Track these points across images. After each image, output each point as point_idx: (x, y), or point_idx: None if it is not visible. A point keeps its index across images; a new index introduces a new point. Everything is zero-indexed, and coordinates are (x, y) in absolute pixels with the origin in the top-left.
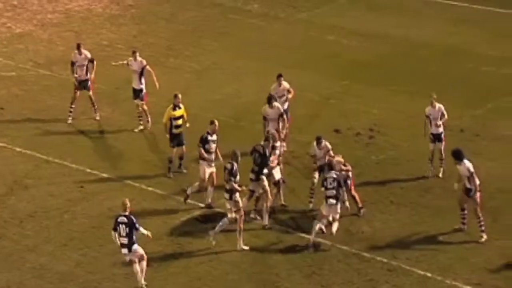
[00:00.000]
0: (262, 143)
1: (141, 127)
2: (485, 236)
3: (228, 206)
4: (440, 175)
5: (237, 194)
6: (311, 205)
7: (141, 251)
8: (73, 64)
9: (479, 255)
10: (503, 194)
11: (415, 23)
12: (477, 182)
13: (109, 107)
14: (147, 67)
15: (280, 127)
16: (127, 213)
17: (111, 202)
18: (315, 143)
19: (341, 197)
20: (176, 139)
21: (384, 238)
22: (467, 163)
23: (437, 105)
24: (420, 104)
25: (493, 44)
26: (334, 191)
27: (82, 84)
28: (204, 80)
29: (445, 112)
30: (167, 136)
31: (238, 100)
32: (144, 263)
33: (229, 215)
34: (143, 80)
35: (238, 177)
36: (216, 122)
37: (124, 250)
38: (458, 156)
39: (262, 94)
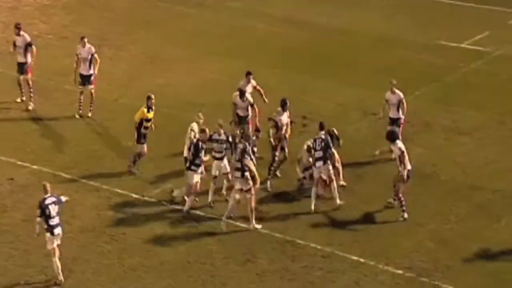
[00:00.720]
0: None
1: (90, 112)
2: (406, 215)
3: (238, 185)
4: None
5: (248, 173)
6: (269, 184)
7: None
8: (14, 45)
9: (410, 239)
10: (432, 180)
11: (343, 10)
12: (408, 166)
13: (41, 98)
14: (95, 55)
15: (251, 115)
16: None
17: (42, 194)
18: (280, 108)
19: (329, 157)
20: (144, 138)
21: (318, 224)
22: (399, 143)
23: (397, 91)
24: (350, 91)
25: (422, 31)
26: (321, 152)
27: (20, 68)
28: (135, 69)
29: (404, 102)
30: (135, 134)
31: (169, 89)
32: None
33: (236, 197)
34: (92, 66)
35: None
36: (208, 130)
37: (59, 230)
38: (390, 136)
39: (193, 82)
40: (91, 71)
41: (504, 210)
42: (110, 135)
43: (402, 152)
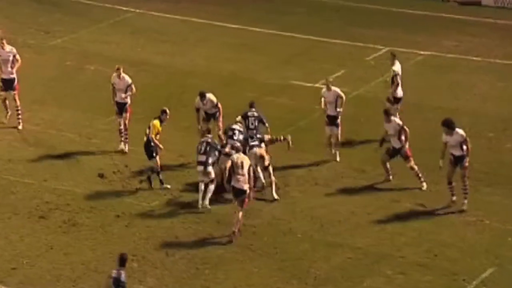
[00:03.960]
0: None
1: (8, 116)
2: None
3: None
4: (338, 158)
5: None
6: None
7: None
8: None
9: None
10: (287, 238)
11: (186, 49)
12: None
13: None
14: (17, 56)
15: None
16: None
17: None
18: None
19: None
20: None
21: None
22: (460, 131)
23: (333, 88)
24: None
25: (273, 71)
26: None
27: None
28: None
29: (342, 94)
30: (161, 147)
31: None
32: None
33: None
34: (14, 69)
35: None
36: None
37: None
38: (449, 124)
39: (12, 137)
40: (13, 75)
41: (366, 270)
42: None
43: (402, 126)
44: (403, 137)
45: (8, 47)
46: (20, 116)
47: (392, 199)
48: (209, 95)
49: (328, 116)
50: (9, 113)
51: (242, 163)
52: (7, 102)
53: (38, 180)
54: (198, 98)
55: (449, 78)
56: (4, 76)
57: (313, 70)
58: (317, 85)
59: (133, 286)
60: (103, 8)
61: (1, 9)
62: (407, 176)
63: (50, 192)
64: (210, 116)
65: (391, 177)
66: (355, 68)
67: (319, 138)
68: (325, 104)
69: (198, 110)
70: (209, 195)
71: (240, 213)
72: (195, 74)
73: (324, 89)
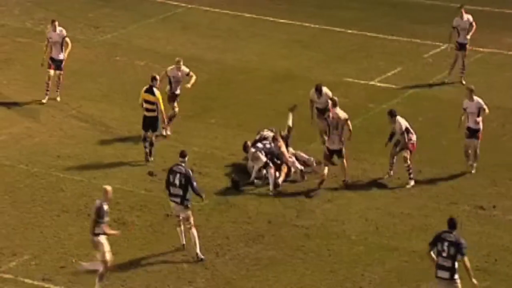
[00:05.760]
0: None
1: (47, 98)
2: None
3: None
4: (473, 171)
5: None
6: None
7: None
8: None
9: None
10: (340, 240)
11: (239, 45)
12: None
13: None
14: (66, 39)
15: None
16: None
17: None
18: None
19: None
20: None
21: None
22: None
23: (475, 98)
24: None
25: (328, 67)
26: None
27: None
28: None
29: (484, 106)
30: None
31: (29, 141)
32: None
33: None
34: (63, 50)
35: None
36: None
37: None
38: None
39: (62, 133)
40: (62, 56)
41: (423, 274)
42: None
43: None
44: (405, 135)
45: (58, 29)
46: (58, 90)
47: (450, 201)
48: (325, 89)
49: (469, 128)
50: (47, 96)
51: (337, 123)
52: (50, 83)
53: (87, 178)
54: (312, 91)
55: (509, 77)
56: (54, 56)
57: (368, 67)
58: (372, 82)
59: (183, 287)
60: (153, 3)
61: (50, 4)
62: (465, 178)
63: (99, 190)
64: (322, 112)
65: (392, 172)
66: (412, 66)
67: (374, 137)
68: (466, 116)
69: (312, 102)
70: (270, 180)
71: (345, 161)
72: (247, 70)
73: (466, 100)
